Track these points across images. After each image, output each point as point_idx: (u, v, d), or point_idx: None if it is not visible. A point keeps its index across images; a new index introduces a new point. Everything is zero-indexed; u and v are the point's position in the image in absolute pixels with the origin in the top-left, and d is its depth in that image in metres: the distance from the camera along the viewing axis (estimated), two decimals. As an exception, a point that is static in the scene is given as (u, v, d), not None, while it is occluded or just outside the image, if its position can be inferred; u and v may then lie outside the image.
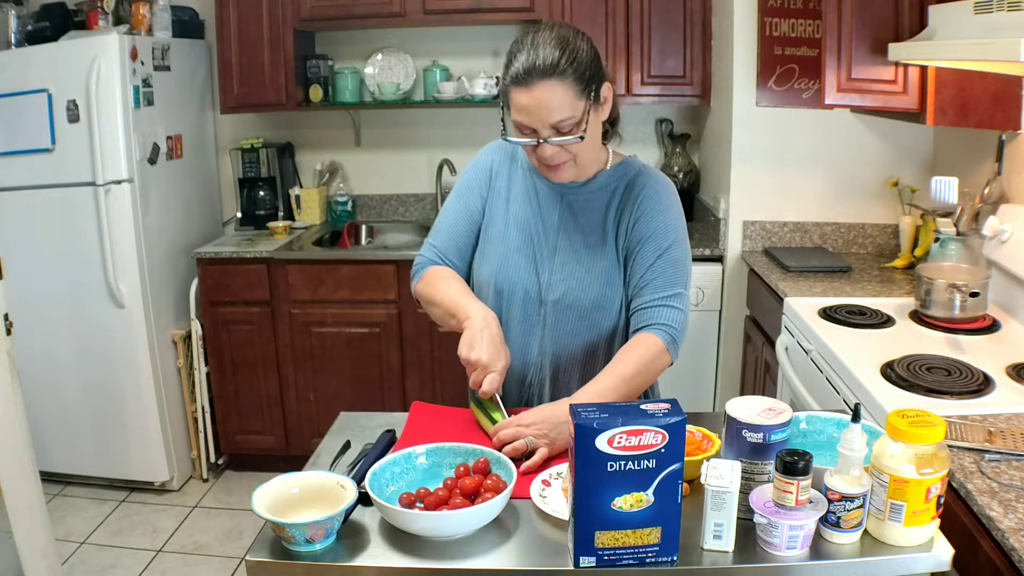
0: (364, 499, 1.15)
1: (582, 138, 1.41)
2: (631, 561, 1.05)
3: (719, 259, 3.06)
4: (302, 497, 1.16)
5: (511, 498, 1.16)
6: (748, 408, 1.13)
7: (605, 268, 1.53)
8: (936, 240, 2.35)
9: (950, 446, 1.39)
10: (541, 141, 1.41)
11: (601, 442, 1.00)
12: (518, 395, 1.61)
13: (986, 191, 2.28)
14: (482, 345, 1.41)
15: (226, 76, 3.33)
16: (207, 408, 3.39)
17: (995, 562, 1.19)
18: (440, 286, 1.56)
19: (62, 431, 3.24)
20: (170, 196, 3.30)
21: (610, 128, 1.59)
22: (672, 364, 1.49)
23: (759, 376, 2.81)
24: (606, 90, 1.46)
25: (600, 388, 1.39)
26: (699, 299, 3.06)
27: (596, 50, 1.44)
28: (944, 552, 1.07)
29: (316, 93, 3.41)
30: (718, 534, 1.07)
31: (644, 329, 1.46)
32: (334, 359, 3.25)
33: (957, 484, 1.31)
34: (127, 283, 3.08)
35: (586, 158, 1.49)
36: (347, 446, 1.43)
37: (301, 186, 3.70)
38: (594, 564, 1.05)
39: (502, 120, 1.46)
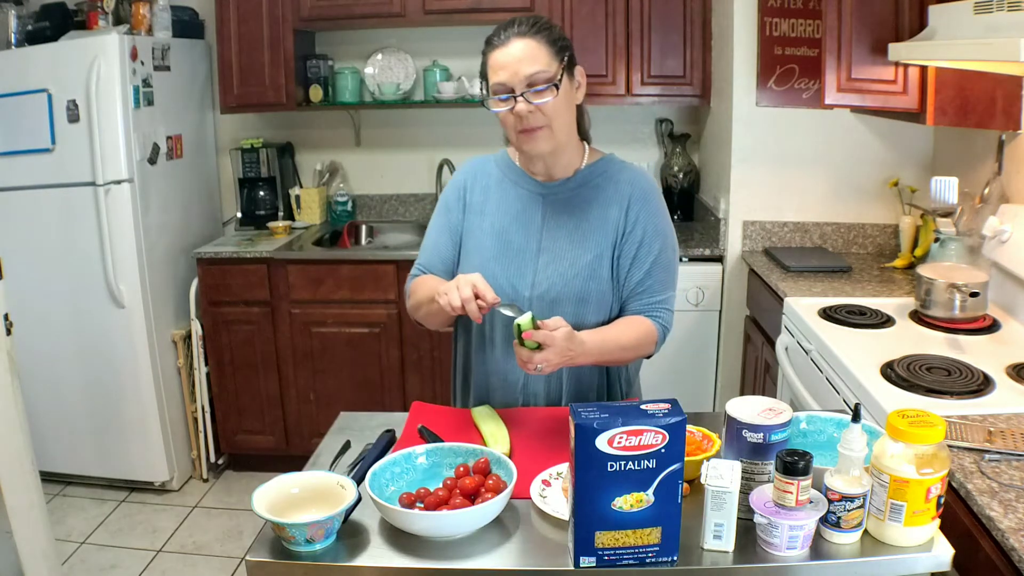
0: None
1: (557, 86, 1.45)
2: (631, 561, 1.05)
3: (719, 259, 3.06)
4: (302, 497, 1.16)
5: (511, 498, 1.16)
6: (748, 408, 1.13)
7: (588, 262, 1.56)
8: (936, 240, 2.35)
9: (950, 446, 1.39)
10: (518, 96, 1.45)
11: (601, 442, 1.00)
12: (506, 397, 1.62)
13: (986, 191, 2.28)
14: (447, 286, 1.39)
15: (226, 76, 3.33)
16: (207, 408, 3.39)
17: (995, 562, 1.19)
18: (419, 289, 1.60)
19: (62, 431, 3.23)
20: (170, 196, 3.30)
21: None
22: (650, 357, 1.61)
23: (759, 376, 2.81)
24: (580, 74, 1.55)
25: (600, 340, 1.46)
26: (699, 299, 3.06)
27: (569, 40, 1.55)
28: (944, 552, 1.07)
29: (316, 93, 3.41)
30: (718, 534, 1.07)
31: (646, 316, 1.56)
32: (334, 359, 3.25)
33: (957, 484, 1.31)
34: (127, 283, 3.08)
35: (561, 128, 1.51)
36: (347, 446, 1.43)
37: (301, 186, 3.70)
38: (594, 564, 1.05)
39: (482, 97, 1.53)
